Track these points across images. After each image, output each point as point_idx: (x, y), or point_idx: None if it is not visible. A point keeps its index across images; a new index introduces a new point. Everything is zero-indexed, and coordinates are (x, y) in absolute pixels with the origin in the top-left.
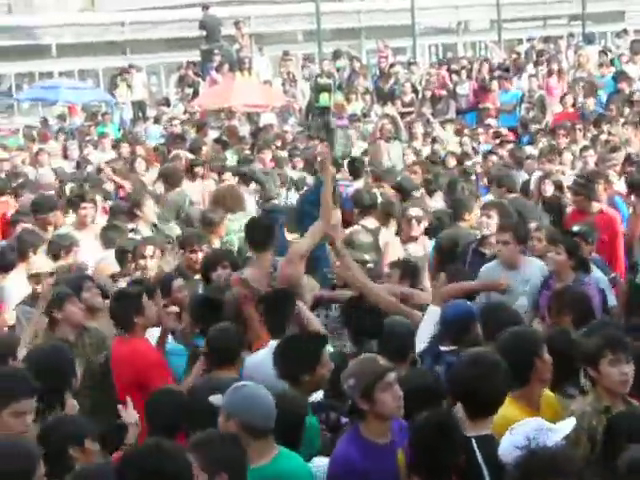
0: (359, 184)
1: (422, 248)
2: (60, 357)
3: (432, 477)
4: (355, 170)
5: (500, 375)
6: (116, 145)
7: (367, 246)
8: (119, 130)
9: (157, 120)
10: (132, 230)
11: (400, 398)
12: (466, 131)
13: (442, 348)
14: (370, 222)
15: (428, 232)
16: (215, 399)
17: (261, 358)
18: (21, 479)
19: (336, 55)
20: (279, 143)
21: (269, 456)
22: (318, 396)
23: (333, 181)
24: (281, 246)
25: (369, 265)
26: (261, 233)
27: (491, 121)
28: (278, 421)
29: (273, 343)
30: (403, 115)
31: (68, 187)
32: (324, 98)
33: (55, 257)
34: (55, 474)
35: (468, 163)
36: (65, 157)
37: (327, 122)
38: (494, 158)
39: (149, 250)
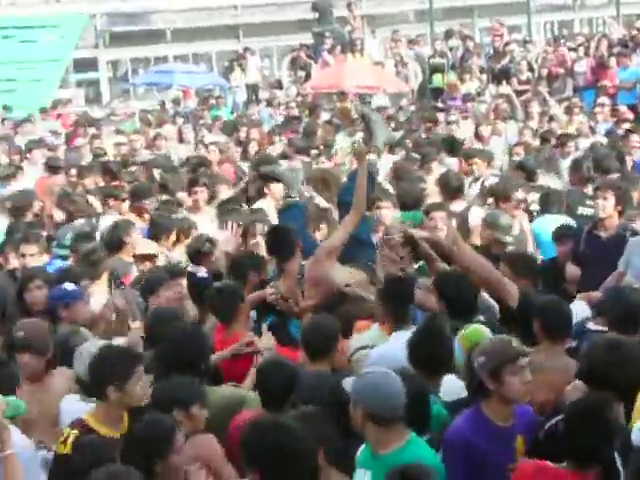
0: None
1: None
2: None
3: (585, 463)
4: (452, 150)
5: (638, 362)
6: (226, 128)
7: (508, 228)
8: (232, 113)
9: (270, 103)
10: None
11: (528, 384)
12: (576, 110)
13: (590, 326)
14: (459, 205)
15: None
16: (346, 383)
17: (387, 349)
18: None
19: (448, 34)
20: (393, 125)
21: (401, 441)
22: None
23: (367, 171)
24: (308, 246)
25: (510, 247)
26: (282, 243)
27: (605, 99)
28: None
29: (398, 334)
30: (519, 93)
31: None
32: (437, 79)
33: (177, 240)
34: None
35: (585, 143)
36: (180, 141)
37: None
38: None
39: (259, 229)
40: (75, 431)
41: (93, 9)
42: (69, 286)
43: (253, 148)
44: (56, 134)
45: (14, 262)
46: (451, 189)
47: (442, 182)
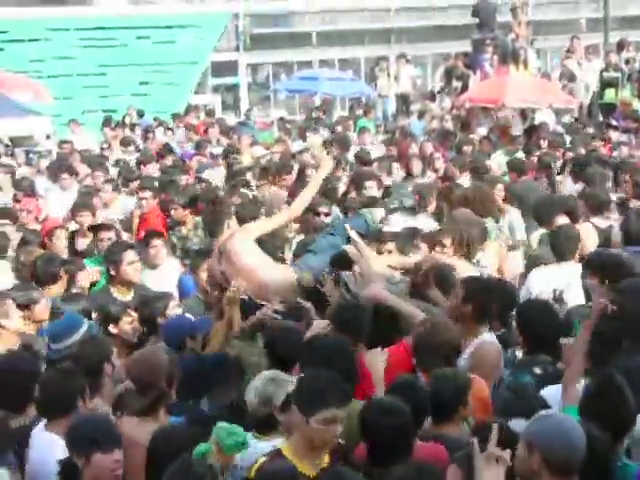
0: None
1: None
2: None
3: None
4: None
5: None
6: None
7: None
8: (377, 126)
9: (421, 115)
10: None
11: None
12: None
13: None
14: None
15: None
16: (516, 424)
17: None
18: None
19: (620, 45)
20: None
21: None
22: None
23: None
24: None
25: None
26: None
27: None
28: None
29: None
30: None
31: None
32: (610, 94)
33: None
34: None
35: None
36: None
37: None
38: None
39: None
40: (264, 458)
41: (235, 8)
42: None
43: (417, 166)
44: (185, 142)
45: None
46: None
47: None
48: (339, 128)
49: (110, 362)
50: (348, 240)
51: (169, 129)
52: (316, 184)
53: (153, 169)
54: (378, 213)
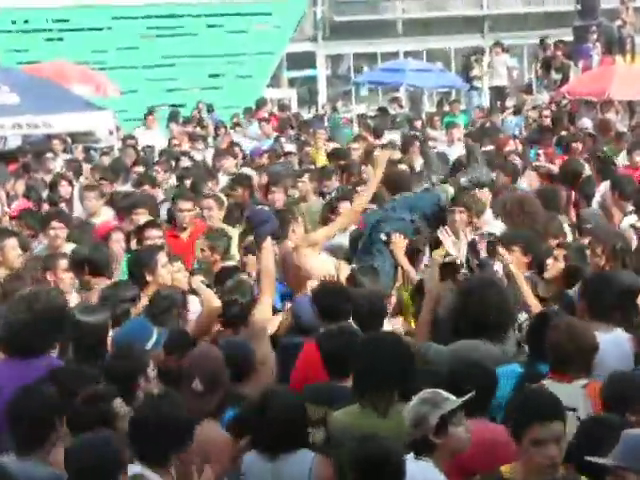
0: None
1: None
2: None
3: None
4: None
5: None
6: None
7: None
8: (467, 123)
9: (518, 110)
10: None
11: None
12: None
13: None
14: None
15: None
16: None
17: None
18: None
19: None
20: None
21: None
22: None
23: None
24: None
25: None
26: None
27: None
28: None
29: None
30: None
31: None
32: None
33: None
34: None
35: None
36: (404, 151)
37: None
38: None
39: None
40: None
41: None
42: None
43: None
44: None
45: None
46: None
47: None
48: (417, 125)
49: (146, 376)
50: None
51: (237, 125)
52: (375, 183)
53: (230, 165)
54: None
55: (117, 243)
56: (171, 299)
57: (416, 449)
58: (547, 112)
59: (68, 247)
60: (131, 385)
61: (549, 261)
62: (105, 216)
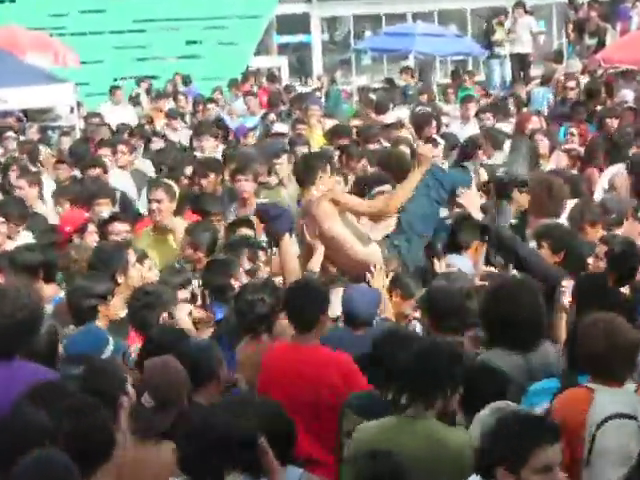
0: None
1: None
2: None
3: None
4: None
5: None
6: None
7: None
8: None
9: (546, 81)
10: None
11: None
12: None
13: None
14: None
15: None
16: None
17: None
18: None
19: None
20: None
21: None
22: None
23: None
24: None
25: None
26: None
27: None
28: None
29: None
30: None
31: None
32: None
33: None
34: None
35: None
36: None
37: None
38: None
39: None
40: None
41: None
42: None
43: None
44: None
45: None
46: None
47: None
48: (423, 99)
49: (126, 392)
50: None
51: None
52: (414, 181)
53: (210, 146)
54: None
55: (91, 236)
56: (157, 295)
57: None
58: (572, 83)
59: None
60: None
61: (590, 260)
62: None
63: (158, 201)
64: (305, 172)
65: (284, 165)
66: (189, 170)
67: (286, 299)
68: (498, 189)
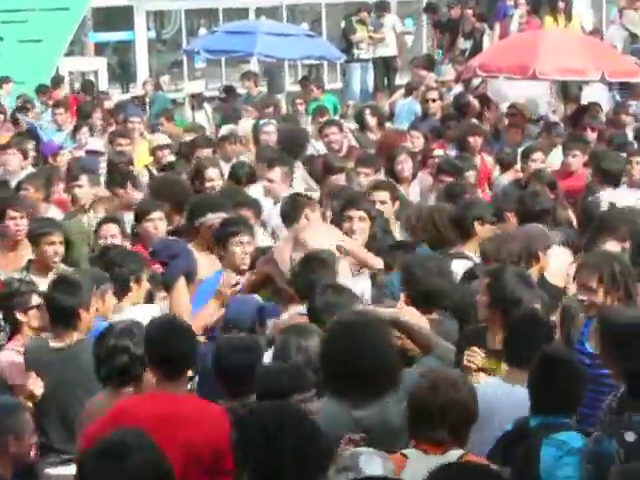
0: None
1: None
2: None
3: None
4: None
5: None
6: None
7: None
8: (335, 108)
9: (411, 90)
10: None
11: None
12: None
13: None
14: None
15: None
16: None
17: None
18: None
19: None
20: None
21: None
22: None
23: None
24: None
25: None
26: None
27: None
28: None
29: None
30: None
31: None
32: None
33: None
34: None
35: None
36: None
37: None
38: None
39: None
40: None
41: None
42: None
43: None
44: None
45: None
46: None
47: None
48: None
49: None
50: None
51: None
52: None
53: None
54: None
55: None
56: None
57: None
58: (434, 94)
59: None
60: None
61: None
62: None
63: None
64: (291, 211)
65: (85, 188)
66: None
67: None
68: None
